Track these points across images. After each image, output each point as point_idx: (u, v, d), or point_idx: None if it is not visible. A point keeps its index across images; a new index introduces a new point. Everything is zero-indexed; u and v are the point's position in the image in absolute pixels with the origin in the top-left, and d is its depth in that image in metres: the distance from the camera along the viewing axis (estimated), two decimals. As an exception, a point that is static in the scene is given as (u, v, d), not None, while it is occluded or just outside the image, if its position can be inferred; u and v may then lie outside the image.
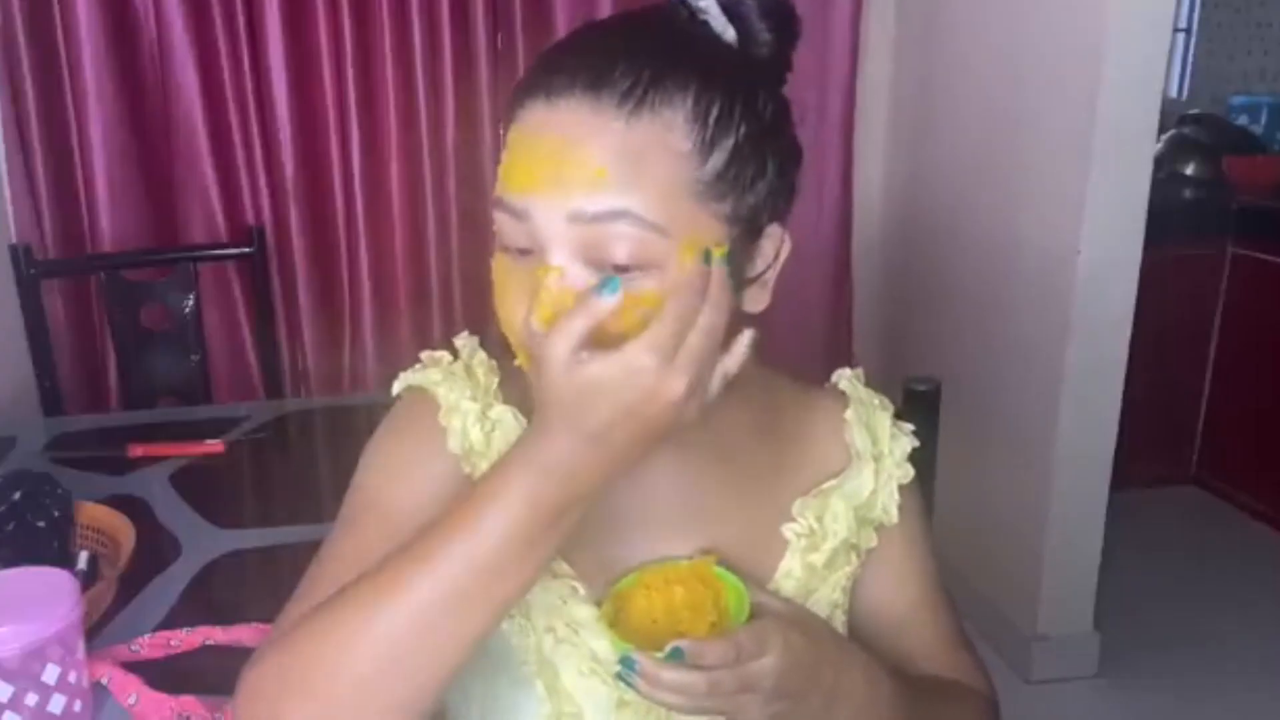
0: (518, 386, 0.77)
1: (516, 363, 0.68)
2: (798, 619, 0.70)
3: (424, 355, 0.79)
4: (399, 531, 0.65)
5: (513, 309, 0.66)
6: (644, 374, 0.59)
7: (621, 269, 0.62)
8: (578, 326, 0.59)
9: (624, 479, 0.66)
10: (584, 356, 0.59)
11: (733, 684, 0.63)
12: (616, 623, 0.68)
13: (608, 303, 0.59)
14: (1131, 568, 2.55)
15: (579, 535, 0.66)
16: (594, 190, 0.61)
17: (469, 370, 0.78)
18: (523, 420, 0.75)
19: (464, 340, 0.82)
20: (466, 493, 0.62)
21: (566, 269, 0.63)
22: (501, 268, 0.67)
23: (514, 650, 0.72)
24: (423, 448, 0.75)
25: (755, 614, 0.67)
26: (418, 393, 0.77)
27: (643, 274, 0.62)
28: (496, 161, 0.67)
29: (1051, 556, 2.16)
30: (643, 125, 0.62)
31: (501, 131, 0.68)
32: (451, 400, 0.75)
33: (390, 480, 0.75)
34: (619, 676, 0.63)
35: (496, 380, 0.78)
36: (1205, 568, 2.70)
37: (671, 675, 0.62)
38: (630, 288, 0.61)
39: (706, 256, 0.62)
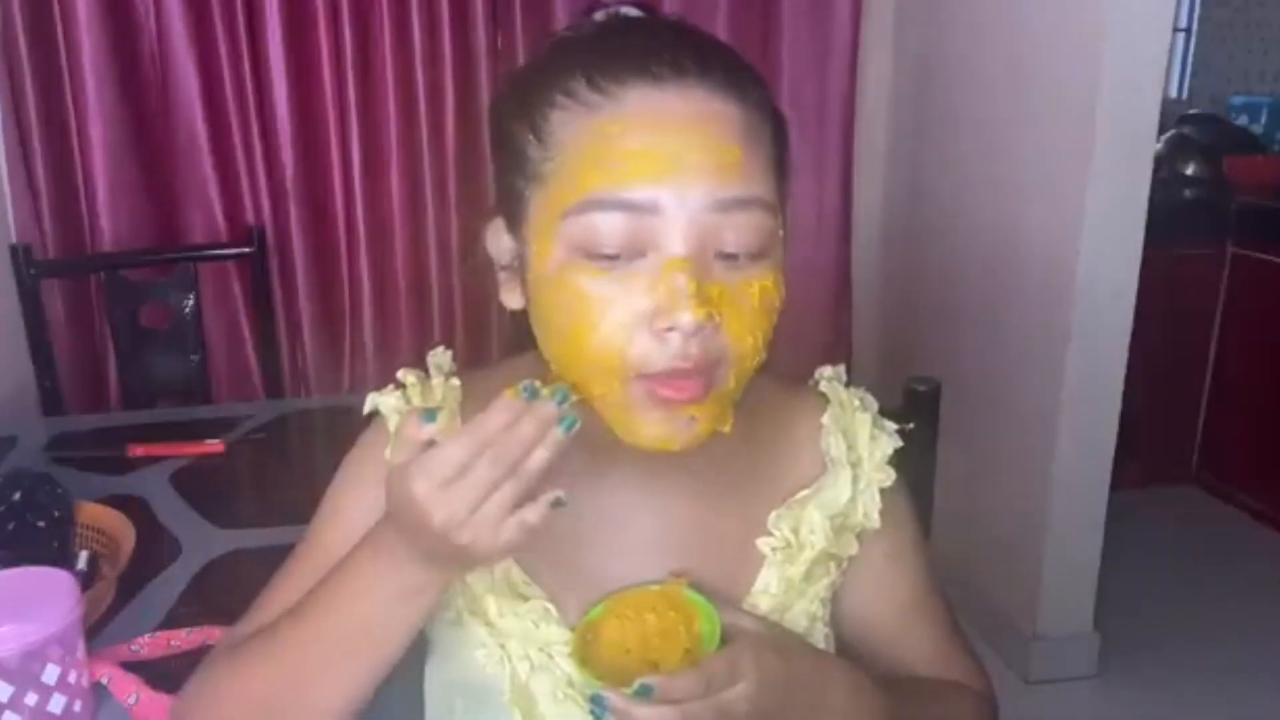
0: (479, 409, 0.75)
1: (604, 396, 0.63)
2: (772, 639, 0.69)
3: (399, 374, 0.78)
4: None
5: (616, 327, 0.61)
6: (410, 496, 0.58)
7: (730, 256, 0.62)
8: (424, 453, 0.58)
9: (594, 493, 0.67)
10: (409, 468, 0.59)
11: (707, 715, 0.61)
12: (588, 655, 0.66)
13: (428, 431, 0.59)
14: (1131, 568, 2.56)
15: (551, 554, 0.67)
16: (730, 176, 0.60)
17: (428, 396, 0.76)
18: None
19: (436, 357, 0.79)
20: (342, 563, 0.67)
21: (692, 261, 0.60)
22: (587, 282, 0.61)
23: (490, 679, 0.72)
24: (370, 486, 0.74)
25: (728, 636, 0.66)
26: (381, 417, 0.76)
27: (754, 262, 0.63)
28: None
29: (1051, 556, 2.16)
30: (750, 107, 0.63)
31: (536, 122, 0.63)
32: None
33: (336, 517, 0.77)
34: (592, 714, 0.62)
35: (457, 405, 0.76)
36: (1205, 568, 2.70)
37: (643, 712, 0.60)
38: (743, 273, 0.62)
39: (531, 391, 0.58)
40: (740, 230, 0.61)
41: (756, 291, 0.63)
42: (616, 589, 0.71)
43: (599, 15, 0.68)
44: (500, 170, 0.67)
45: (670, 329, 0.60)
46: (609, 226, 0.60)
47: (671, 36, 0.63)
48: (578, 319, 0.61)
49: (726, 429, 0.67)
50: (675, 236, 0.60)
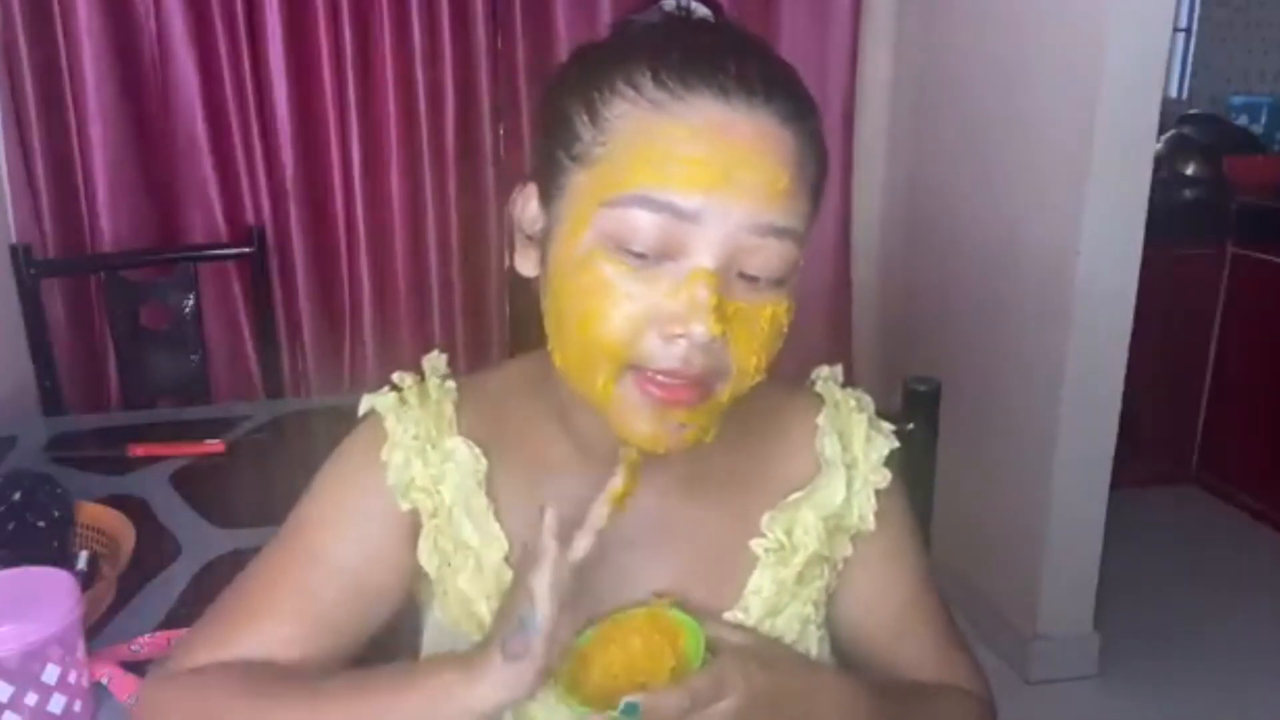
0: (473, 411, 0.76)
1: (600, 384, 0.63)
2: (757, 651, 0.69)
3: (394, 376, 0.78)
4: (316, 574, 0.72)
5: (627, 321, 0.61)
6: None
7: (751, 279, 0.62)
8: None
9: (586, 494, 0.67)
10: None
11: None
12: (578, 683, 0.67)
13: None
14: (1132, 568, 2.56)
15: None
16: (775, 203, 0.61)
17: (424, 398, 0.76)
18: (477, 450, 0.73)
19: (431, 361, 0.79)
20: (389, 674, 0.68)
21: (718, 275, 0.61)
22: (610, 275, 0.61)
23: None
24: (362, 490, 0.75)
25: (713, 650, 0.66)
26: (375, 418, 0.76)
27: (773, 288, 0.64)
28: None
29: (1051, 556, 2.16)
30: (804, 137, 0.63)
31: (593, 103, 0.63)
32: (396, 435, 0.74)
33: (323, 516, 0.76)
34: None
35: (452, 406, 0.76)
36: (1205, 568, 2.70)
37: None
38: (760, 296, 0.63)
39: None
40: (769, 256, 0.62)
41: (769, 315, 0.64)
42: (602, 614, 0.71)
43: (668, 5, 0.68)
44: (545, 141, 0.67)
45: (681, 336, 0.60)
46: (647, 225, 0.60)
47: (741, 49, 0.63)
48: (592, 306, 0.62)
49: (709, 438, 0.67)
50: (707, 248, 0.60)
